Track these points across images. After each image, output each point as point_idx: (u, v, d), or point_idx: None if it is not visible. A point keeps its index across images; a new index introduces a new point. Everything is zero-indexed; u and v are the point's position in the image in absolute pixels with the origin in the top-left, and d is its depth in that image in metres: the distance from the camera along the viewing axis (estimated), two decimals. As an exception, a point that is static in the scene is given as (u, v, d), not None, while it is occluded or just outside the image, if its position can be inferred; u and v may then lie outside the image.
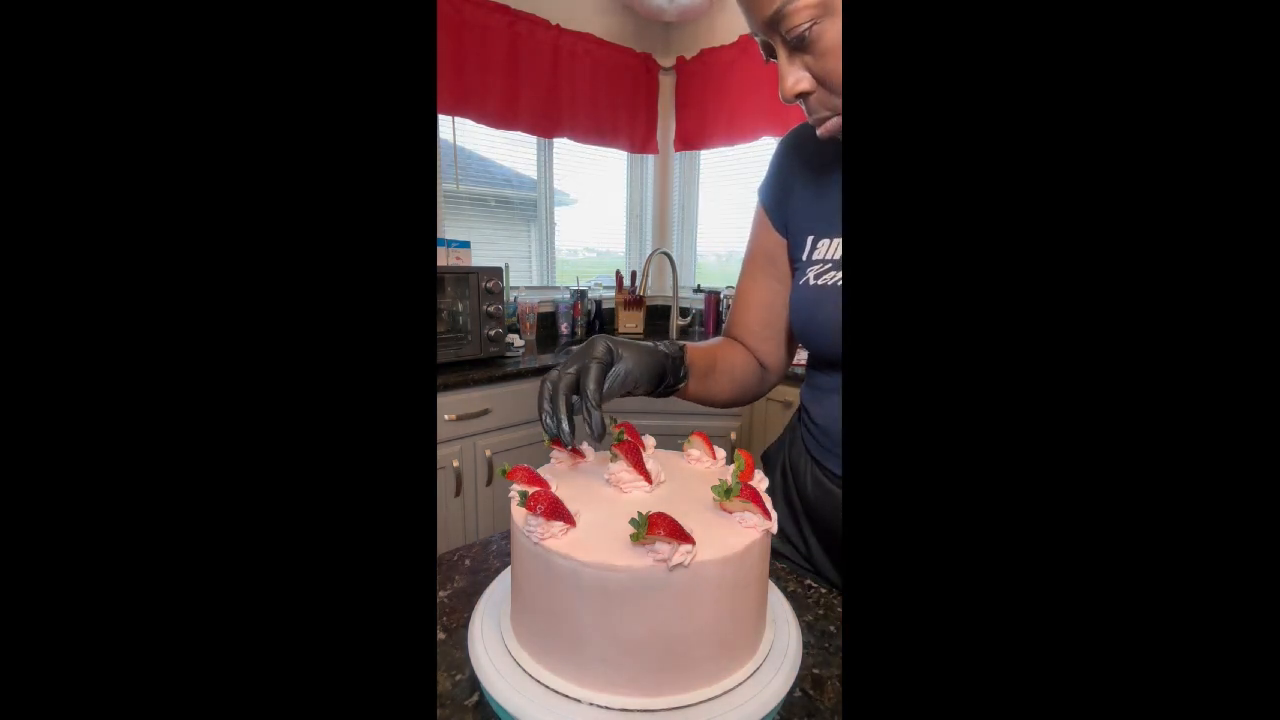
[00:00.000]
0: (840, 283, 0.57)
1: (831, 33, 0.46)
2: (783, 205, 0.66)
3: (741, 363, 0.70)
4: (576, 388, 0.48)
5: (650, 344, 0.56)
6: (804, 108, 0.52)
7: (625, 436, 0.46)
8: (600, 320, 2.30)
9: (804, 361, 0.70)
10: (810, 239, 0.63)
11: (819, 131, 0.52)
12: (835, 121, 0.51)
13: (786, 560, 0.68)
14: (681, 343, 0.62)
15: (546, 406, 0.47)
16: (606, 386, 0.49)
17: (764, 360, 0.72)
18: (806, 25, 0.46)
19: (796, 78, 0.49)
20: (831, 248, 0.60)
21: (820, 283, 0.59)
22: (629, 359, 0.52)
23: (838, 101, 0.50)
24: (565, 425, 0.47)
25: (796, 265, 0.65)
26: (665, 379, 0.57)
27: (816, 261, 0.61)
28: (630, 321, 2.31)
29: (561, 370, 0.49)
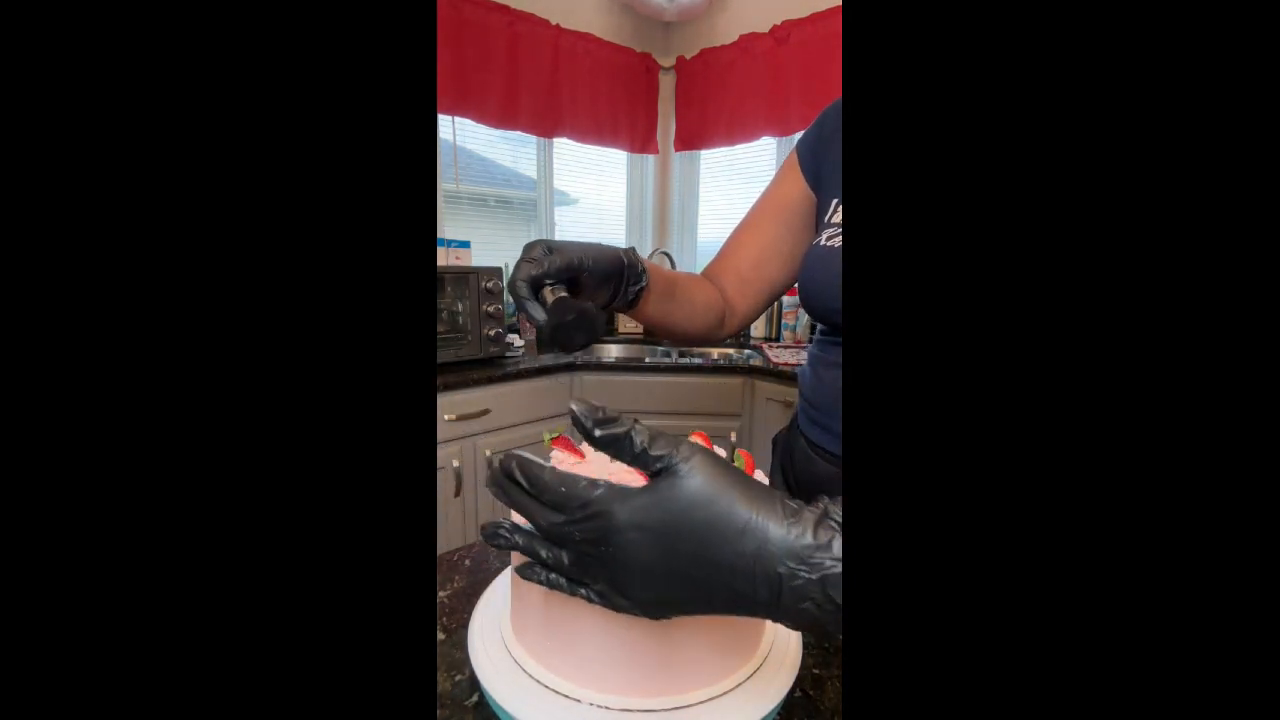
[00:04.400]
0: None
1: None
2: (819, 157, 0.66)
3: (704, 298, 0.68)
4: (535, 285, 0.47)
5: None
6: None
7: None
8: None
9: (803, 340, 0.70)
10: (835, 202, 0.62)
11: None
12: None
13: None
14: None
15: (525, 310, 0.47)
16: (547, 266, 0.47)
17: (733, 304, 0.71)
18: None
19: None
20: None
21: (829, 245, 0.59)
22: (572, 247, 0.50)
23: None
24: (538, 314, 0.46)
25: (817, 227, 0.65)
26: (625, 276, 0.54)
27: (833, 225, 0.61)
28: (630, 321, 2.31)
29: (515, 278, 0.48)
